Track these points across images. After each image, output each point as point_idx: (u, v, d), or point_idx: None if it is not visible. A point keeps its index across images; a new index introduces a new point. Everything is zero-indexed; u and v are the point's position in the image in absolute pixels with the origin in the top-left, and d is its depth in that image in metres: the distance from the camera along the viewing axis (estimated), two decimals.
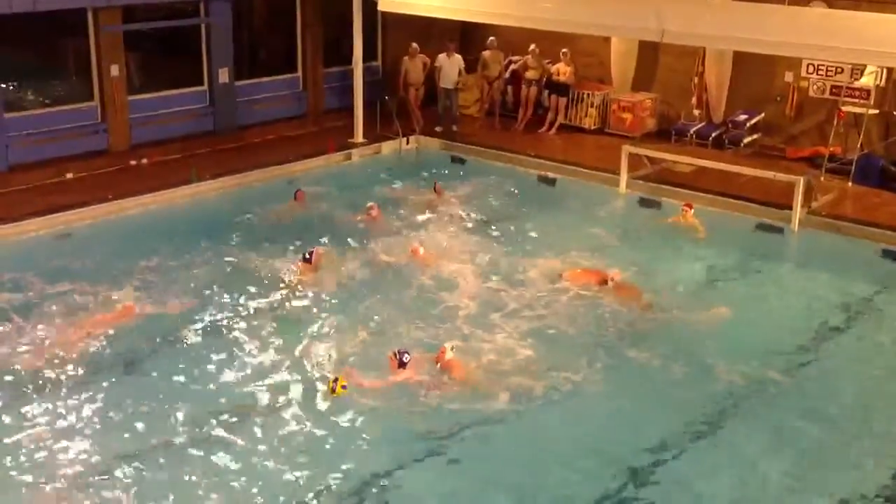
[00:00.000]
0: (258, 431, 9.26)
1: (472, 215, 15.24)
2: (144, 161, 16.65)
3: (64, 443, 8.95)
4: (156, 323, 11.29)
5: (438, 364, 10.34)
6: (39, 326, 11.01)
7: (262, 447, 8.97)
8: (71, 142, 16.34)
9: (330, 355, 10.63)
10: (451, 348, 10.49)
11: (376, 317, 11.64)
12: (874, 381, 10.63)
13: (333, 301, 12.12)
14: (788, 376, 10.62)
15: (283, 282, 12.50)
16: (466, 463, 8.94)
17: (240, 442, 9.04)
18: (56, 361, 10.27)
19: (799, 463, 9.06)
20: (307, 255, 12.88)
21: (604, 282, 12.46)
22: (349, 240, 13.97)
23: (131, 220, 14.67)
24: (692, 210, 14.88)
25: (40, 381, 9.93)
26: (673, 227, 14.81)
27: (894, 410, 9.97)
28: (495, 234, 14.52)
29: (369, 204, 14.79)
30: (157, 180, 15.73)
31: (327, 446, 9.07)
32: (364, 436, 9.24)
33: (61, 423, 9.26)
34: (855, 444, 9.38)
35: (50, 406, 9.51)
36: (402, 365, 10.07)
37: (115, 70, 16.61)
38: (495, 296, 12.31)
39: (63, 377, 10.03)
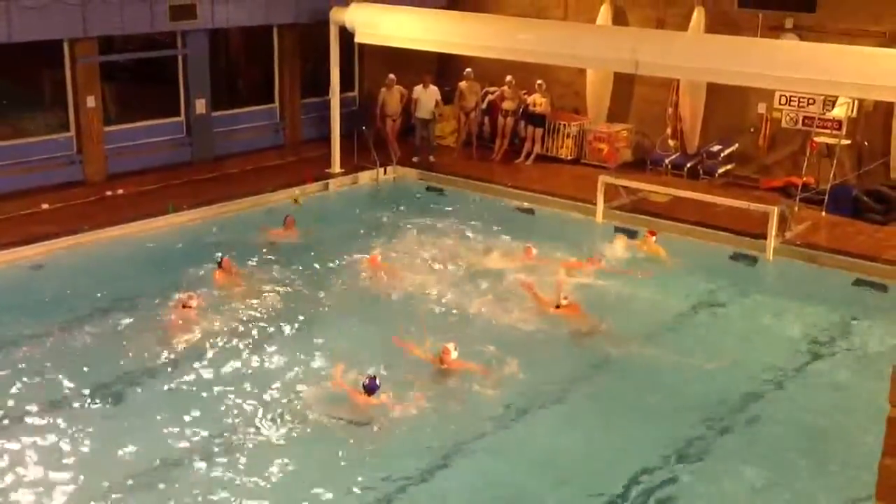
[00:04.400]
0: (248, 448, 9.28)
1: (448, 244, 15.30)
2: (120, 192, 16.60)
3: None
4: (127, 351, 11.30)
5: (444, 364, 10.62)
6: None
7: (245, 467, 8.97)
8: (47, 172, 16.28)
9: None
10: (455, 348, 10.70)
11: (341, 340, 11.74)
12: (847, 412, 10.62)
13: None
14: (760, 407, 10.63)
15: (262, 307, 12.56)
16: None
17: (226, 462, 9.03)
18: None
19: (766, 497, 9.05)
20: (219, 261, 13.29)
21: (557, 306, 12.62)
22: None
23: (106, 251, 14.57)
24: (654, 237, 15.01)
25: None
26: (648, 257, 14.87)
27: (868, 442, 9.98)
28: (468, 261, 14.56)
29: (527, 245, 14.79)
30: (133, 211, 15.67)
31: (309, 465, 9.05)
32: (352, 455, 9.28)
33: None
34: (822, 477, 9.36)
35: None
36: (369, 392, 9.99)
37: (91, 101, 16.57)
38: (459, 322, 12.40)
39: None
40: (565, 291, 12.79)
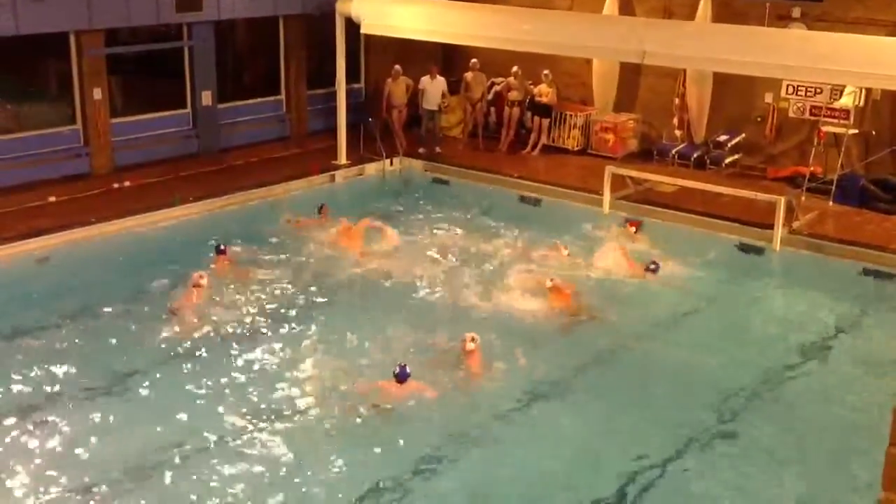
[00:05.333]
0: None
1: (454, 234, 15.33)
2: (127, 184, 16.60)
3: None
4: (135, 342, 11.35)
5: (465, 353, 10.73)
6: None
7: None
8: (53, 165, 16.30)
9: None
10: (472, 339, 10.75)
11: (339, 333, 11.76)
12: (855, 402, 10.60)
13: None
14: (767, 397, 10.63)
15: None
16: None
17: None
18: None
19: (772, 489, 9.04)
20: (221, 248, 13.56)
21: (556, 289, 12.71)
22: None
23: (113, 244, 14.59)
24: (634, 229, 15.13)
25: None
26: (658, 247, 14.87)
27: (876, 433, 9.95)
28: (474, 251, 14.61)
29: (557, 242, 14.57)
30: (139, 203, 15.67)
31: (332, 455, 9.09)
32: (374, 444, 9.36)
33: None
34: (830, 467, 9.35)
35: None
36: (401, 380, 10.09)
37: (97, 93, 16.59)
38: (463, 313, 12.41)
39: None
40: (551, 274, 12.92)
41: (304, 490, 8.66)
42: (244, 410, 9.92)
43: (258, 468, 8.94)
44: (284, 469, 8.96)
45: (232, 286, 12.89)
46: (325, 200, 15.82)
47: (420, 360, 10.82)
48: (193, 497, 8.51)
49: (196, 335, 11.55)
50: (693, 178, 16.77)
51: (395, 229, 15.12)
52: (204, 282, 12.38)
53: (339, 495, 8.61)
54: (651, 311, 12.78)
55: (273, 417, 9.79)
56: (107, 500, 8.45)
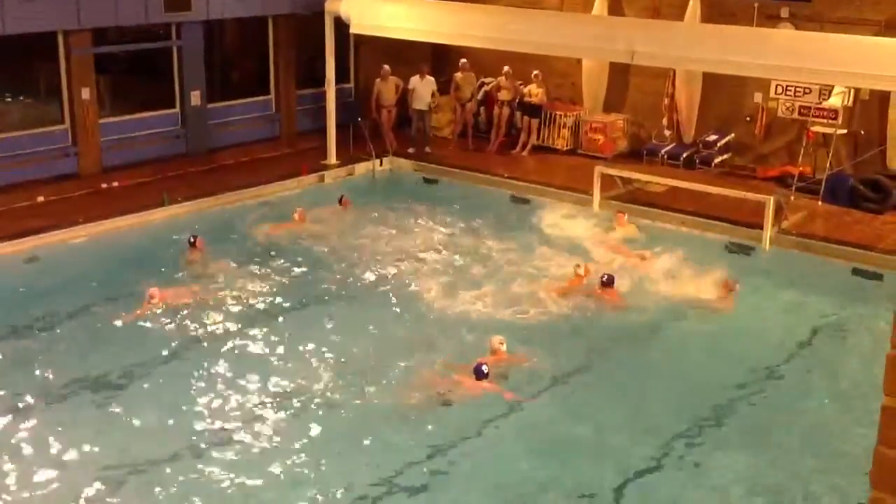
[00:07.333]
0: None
1: (444, 234, 15.34)
2: (116, 184, 16.55)
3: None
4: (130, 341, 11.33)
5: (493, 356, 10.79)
6: None
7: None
8: (41, 165, 16.23)
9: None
10: (501, 342, 10.88)
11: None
12: (844, 400, 10.61)
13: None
14: (758, 397, 10.64)
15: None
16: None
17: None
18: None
19: (761, 485, 9.05)
20: (192, 240, 13.70)
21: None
22: None
23: (102, 244, 14.54)
24: (626, 216, 15.43)
25: None
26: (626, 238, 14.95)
27: (865, 431, 9.98)
28: (463, 251, 14.64)
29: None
30: (128, 203, 15.62)
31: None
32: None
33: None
34: (822, 466, 9.36)
35: None
36: (480, 377, 10.19)
37: (85, 93, 16.52)
38: (458, 314, 12.38)
39: None
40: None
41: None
42: (244, 405, 9.94)
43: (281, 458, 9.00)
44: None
45: (206, 280, 12.94)
46: (320, 200, 15.94)
47: (429, 361, 10.84)
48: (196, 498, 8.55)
49: (188, 334, 11.59)
50: (682, 178, 16.79)
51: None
52: (155, 300, 11.98)
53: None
54: (637, 313, 12.74)
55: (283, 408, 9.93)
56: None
